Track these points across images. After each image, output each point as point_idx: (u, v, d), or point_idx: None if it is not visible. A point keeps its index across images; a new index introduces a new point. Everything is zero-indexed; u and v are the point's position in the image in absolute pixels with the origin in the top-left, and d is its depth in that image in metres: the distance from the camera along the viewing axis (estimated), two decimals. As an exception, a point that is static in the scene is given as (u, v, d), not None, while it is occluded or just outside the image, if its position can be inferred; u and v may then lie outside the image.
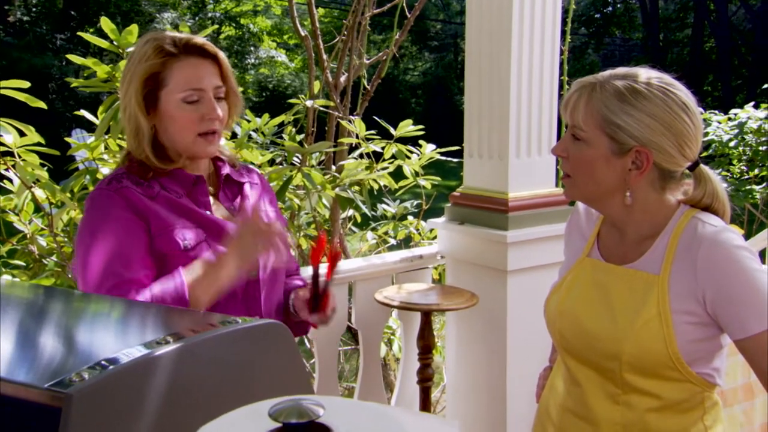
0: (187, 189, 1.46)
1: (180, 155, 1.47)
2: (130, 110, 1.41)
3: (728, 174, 4.83)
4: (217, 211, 1.50)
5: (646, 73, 1.28)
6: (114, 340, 0.87)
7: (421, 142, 3.06)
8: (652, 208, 1.32)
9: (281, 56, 17.01)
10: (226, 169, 1.56)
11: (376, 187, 2.93)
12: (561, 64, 2.47)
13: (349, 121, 2.98)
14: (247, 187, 1.59)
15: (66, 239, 2.41)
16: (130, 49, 2.29)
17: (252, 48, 17.15)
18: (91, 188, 2.07)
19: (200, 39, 1.44)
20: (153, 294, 1.30)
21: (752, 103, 5.11)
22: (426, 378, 2.34)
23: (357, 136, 2.92)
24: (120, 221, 1.37)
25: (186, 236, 1.40)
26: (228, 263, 1.33)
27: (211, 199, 1.50)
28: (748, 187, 4.35)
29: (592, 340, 1.33)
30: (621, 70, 1.31)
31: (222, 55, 1.46)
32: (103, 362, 0.71)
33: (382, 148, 2.92)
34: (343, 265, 2.49)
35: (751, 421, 2.11)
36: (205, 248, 1.40)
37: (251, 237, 1.33)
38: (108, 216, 1.37)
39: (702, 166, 1.32)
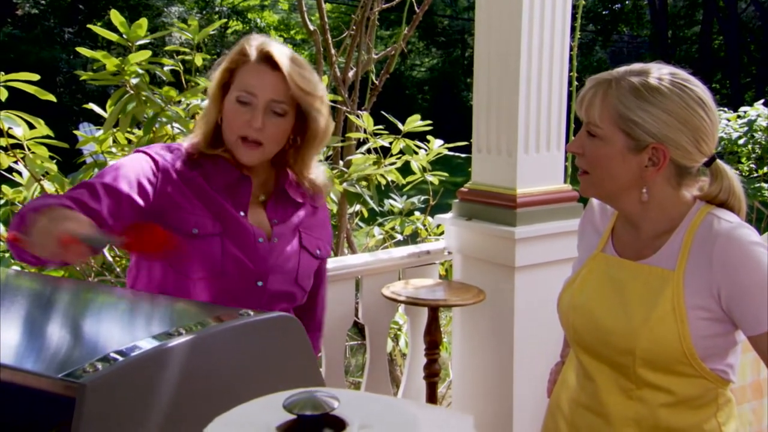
0: (229, 183, 1.46)
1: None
2: (210, 94, 1.47)
3: (737, 172, 4.82)
4: (254, 215, 1.48)
5: (661, 70, 1.28)
6: (126, 331, 0.87)
7: (429, 137, 3.06)
8: (668, 204, 1.32)
9: (288, 51, 16.95)
10: (287, 185, 1.53)
11: (383, 182, 2.92)
12: (570, 60, 2.46)
13: (357, 116, 2.98)
14: (306, 208, 1.56)
15: (74, 232, 2.41)
16: (140, 42, 2.30)
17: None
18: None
19: (276, 50, 1.41)
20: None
21: (762, 101, 5.09)
22: (432, 373, 2.34)
23: (365, 131, 2.91)
24: (136, 167, 1.39)
25: (199, 223, 1.40)
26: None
27: (256, 204, 1.50)
28: (757, 185, 4.33)
29: (606, 335, 1.32)
30: (636, 66, 1.30)
31: (292, 72, 1.40)
32: (115, 354, 0.72)
33: (390, 144, 2.91)
34: (350, 260, 2.49)
35: (760, 420, 2.10)
36: (217, 242, 1.40)
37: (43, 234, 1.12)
38: (135, 158, 1.43)
39: (718, 161, 1.32)
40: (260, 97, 1.41)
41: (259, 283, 1.44)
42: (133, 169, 1.39)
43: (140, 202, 1.36)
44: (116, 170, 1.38)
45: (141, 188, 1.37)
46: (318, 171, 1.58)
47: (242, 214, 1.46)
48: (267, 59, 1.41)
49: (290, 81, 1.40)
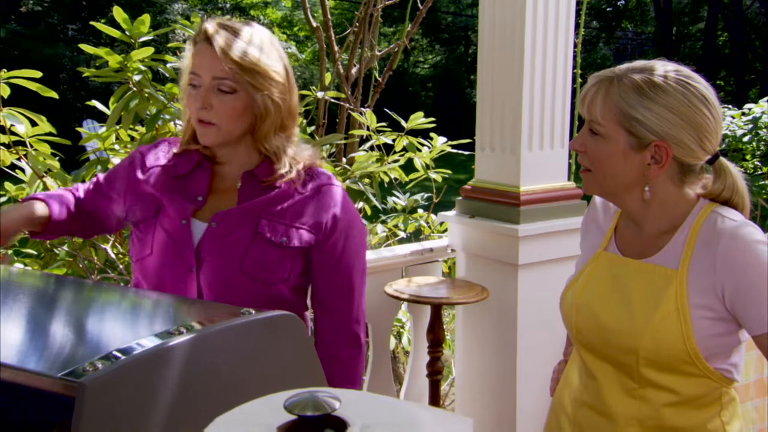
0: (189, 169, 1.47)
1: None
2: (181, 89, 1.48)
3: (742, 169, 4.81)
4: (216, 200, 1.44)
5: (664, 66, 1.27)
6: (127, 330, 0.87)
7: (432, 134, 3.05)
8: (671, 203, 1.31)
9: (291, 48, 16.99)
10: (257, 167, 1.46)
11: (386, 179, 2.92)
12: (574, 56, 2.45)
13: (360, 113, 2.97)
14: (281, 192, 1.45)
15: (77, 229, 2.41)
16: (143, 39, 2.29)
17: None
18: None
19: (210, 25, 1.39)
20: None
21: (766, 98, 5.07)
22: (435, 371, 2.34)
23: (368, 129, 2.91)
24: (125, 165, 1.54)
25: (136, 210, 1.47)
26: None
27: (225, 190, 1.46)
28: (762, 182, 4.32)
29: (609, 334, 1.32)
30: (638, 63, 1.29)
31: (226, 46, 1.35)
32: (116, 352, 0.71)
33: (393, 141, 2.90)
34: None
35: (763, 418, 2.09)
36: (151, 224, 1.43)
37: None
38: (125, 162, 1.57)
39: (721, 159, 1.31)
40: (203, 77, 1.37)
41: (192, 269, 1.39)
42: (114, 170, 1.58)
43: (112, 197, 1.52)
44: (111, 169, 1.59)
45: (111, 185, 1.53)
46: (299, 152, 1.49)
47: (200, 198, 1.44)
48: (206, 37, 1.37)
49: (221, 55, 1.34)
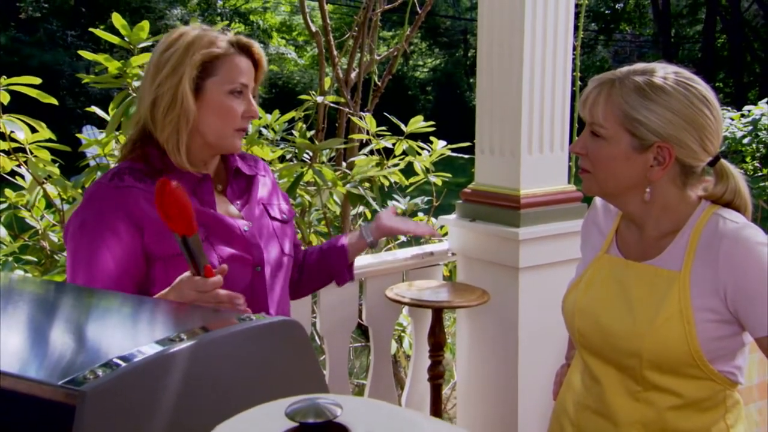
0: (192, 186, 1.43)
1: (205, 152, 1.46)
2: (178, 96, 1.37)
3: (742, 171, 4.81)
4: (222, 207, 1.47)
5: (664, 69, 1.27)
6: (128, 337, 0.86)
7: (432, 138, 3.05)
8: (673, 205, 1.31)
9: (291, 53, 17.03)
10: (237, 162, 1.54)
11: (386, 183, 2.92)
12: (573, 59, 2.45)
13: (360, 118, 2.97)
14: (258, 180, 1.58)
15: (77, 235, 2.41)
16: (142, 45, 2.29)
17: (261, 44, 17.17)
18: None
19: (256, 44, 1.50)
20: None
21: (766, 100, 5.07)
22: (437, 375, 2.33)
23: (368, 133, 2.91)
24: (117, 233, 1.35)
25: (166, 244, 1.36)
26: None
27: (217, 196, 1.48)
28: (762, 184, 4.32)
29: (612, 337, 1.31)
30: (639, 65, 1.30)
31: (265, 61, 1.52)
32: (117, 360, 0.71)
33: (393, 145, 2.90)
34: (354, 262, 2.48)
35: (765, 420, 2.09)
36: (207, 249, 1.37)
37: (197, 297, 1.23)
38: (104, 223, 1.35)
39: (723, 161, 1.31)
40: (249, 86, 1.46)
41: (258, 269, 1.46)
42: (122, 247, 1.35)
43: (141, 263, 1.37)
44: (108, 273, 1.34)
45: (137, 248, 1.36)
46: None
47: (212, 211, 1.44)
48: (247, 51, 1.47)
49: (262, 71, 1.51)
